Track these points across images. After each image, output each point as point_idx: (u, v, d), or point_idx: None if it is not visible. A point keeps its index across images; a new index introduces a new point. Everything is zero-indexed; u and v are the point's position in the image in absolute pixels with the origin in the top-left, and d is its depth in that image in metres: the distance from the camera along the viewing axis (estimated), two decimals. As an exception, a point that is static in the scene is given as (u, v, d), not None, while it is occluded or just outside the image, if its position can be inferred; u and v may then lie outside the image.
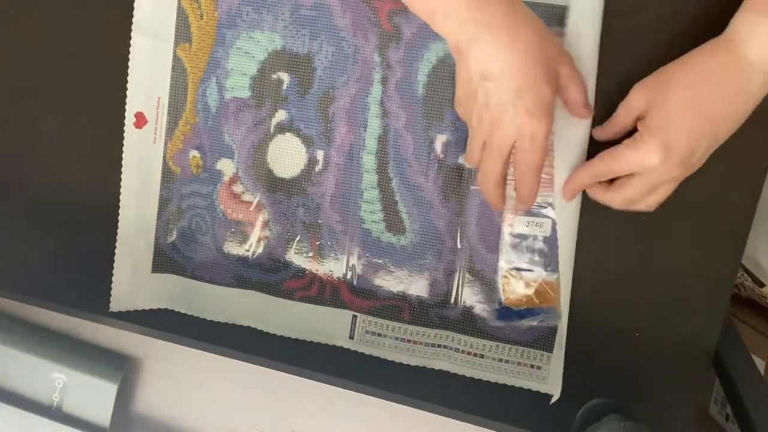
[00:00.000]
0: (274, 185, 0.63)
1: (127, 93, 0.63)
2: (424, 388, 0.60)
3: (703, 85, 0.48)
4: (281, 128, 0.62)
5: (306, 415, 0.66)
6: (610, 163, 0.51)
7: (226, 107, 0.62)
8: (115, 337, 0.67)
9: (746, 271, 0.90)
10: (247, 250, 0.64)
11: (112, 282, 0.66)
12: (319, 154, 0.61)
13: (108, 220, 0.66)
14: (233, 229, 0.64)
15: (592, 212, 0.59)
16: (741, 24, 0.48)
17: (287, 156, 0.62)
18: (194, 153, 0.63)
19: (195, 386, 0.68)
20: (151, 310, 0.67)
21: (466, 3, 0.47)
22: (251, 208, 0.63)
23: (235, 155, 0.63)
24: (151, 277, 0.65)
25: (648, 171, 0.49)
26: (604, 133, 0.54)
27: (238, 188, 0.63)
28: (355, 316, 0.63)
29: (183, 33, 0.61)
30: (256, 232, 0.63)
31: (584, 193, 0.56)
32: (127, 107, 0.63)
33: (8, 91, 0.66)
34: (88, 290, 0.65)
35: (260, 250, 0.64)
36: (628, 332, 0.60)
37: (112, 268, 0.66)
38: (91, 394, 0.67)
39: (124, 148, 0.63)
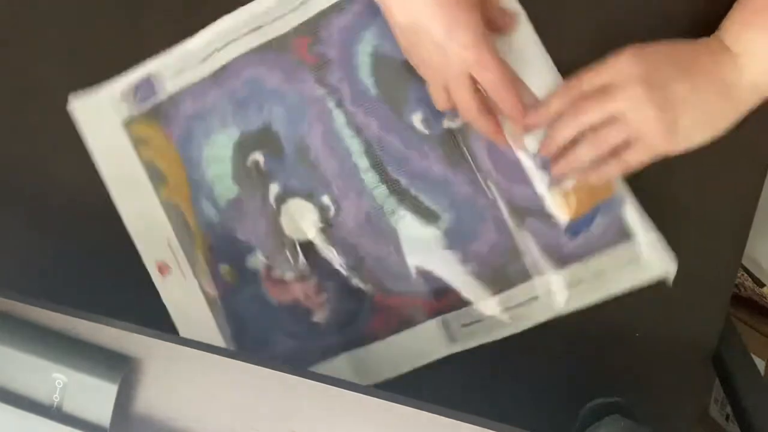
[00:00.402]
0: (305, 250, 0.63)
1: (139, 250, 0.65)
2: (424, 389, 0.60)
3: (701, 74, 0.48)
4: (281, 198, 0.62)
5: (306, 415, 0.66)
6: (585, 76, 0.51)
7: (225, 213, 0.64)
8: (115, 337, 0.67)
9: (746, 271, 0.90)
10: (318, 321, 0.64)
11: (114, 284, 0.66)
12: (326, 199, 0.62)
13: (108, 220, 0.66)
14: (296, 311, 0.64)
15: (592, 212, 0.59)
16: (736, 36, 0.48)
17: (300, 218, 0.62)
18: (223, 267, 0.64)
19: (195, 386, 0.68)
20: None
21: None
22: (299, 283, 0.63)
23: (256, 248, 0.63)
24: None
25: (619, 73, 0.48)
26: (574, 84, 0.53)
27: (276, 273, 0.64)
28: (445, 319, 0.62)
29: (156, 177, 0.64)
30: (316, 300, 0.63)
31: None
32: (145, 262, 0.65)
33: (8, 90, 0.66)
34: (88, 290, 0.65)
35: (327, 313, 0.64)
36: (628, 332, 0.60)
37: (113, 268, 0.66)
38: (91, 394, 0.67)
39: (162, 298, 0.66)
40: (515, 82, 0.53)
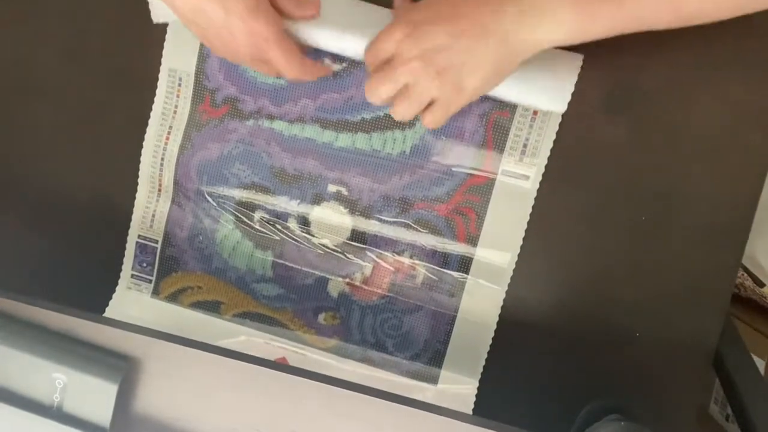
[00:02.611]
0: (361, 238, 0.63)
1: None
2: (424, 388, 0.60)
3: (475, 30, 0.48)
4: (303, 222, 0.63)
5: (306, 415, 0.66)
6: (368, 52, 0.52)
7: (279, 283, 0.66)
8: (115, 337, 0.67)
9: (746, 271, 0.90)
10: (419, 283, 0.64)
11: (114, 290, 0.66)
12: (331, 189, 0.63)
13: (108, 220, 0.66)
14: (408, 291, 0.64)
15: (592, 212, 0.59)
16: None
17: (330, 223, 0.63)
18: (325, 315, 0.65)
19: (195, 386, 0.68)
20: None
21: None
22: (392, 268, 0.64)
23: (330, 278, 0.64)
24: None
25: (393, 48, 0.49)
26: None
27: (360, 278, 0.64)
28: None
29: (213, 308, 0.67)
30: (413, 272, 0.64)
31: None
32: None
33: (8, 90, 0.66)
34: (88, 290, 0.65)
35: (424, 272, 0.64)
36: (629, 332, 0.60)
37: (113, 267, 0.66)
38: (92, 395, 0.67)
39: None
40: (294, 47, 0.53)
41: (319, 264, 0.64)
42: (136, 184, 0.65)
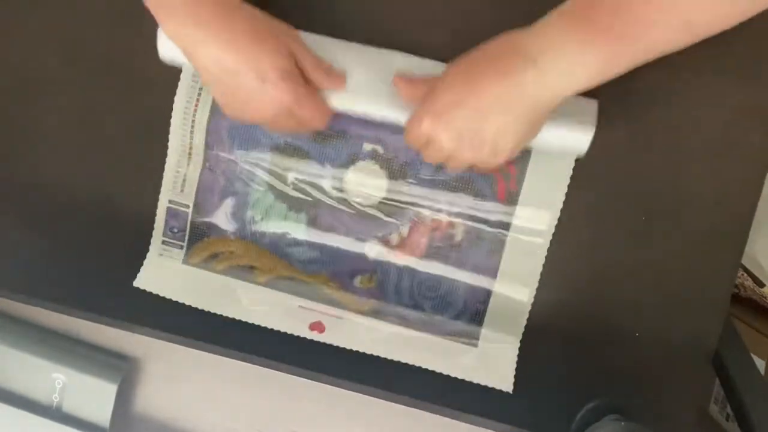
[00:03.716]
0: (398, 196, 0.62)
1: None
2: (423, 388, 0.60)
3: (479, 59, 0.49)
4: (338, 182, 0.62)
5: (306, 415, 0.66)
6: (405, 137, 0.54)
7: (316, 246, 0.64)
8: (115, 337, 0.67)
9: (746, 271, 0.90)
10: (459, 241, 0.63)
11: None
12: (367, 148, 0.61)
13: (109, 220, 0.66)
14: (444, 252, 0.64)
15: (591, 213, 0.59)
16: (542, 35, 0.47)
17: (368, 181, 0.62)
18: (362, 279, 0.64)
19: (195, 386, 0.68)
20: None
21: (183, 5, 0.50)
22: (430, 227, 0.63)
23: (366, 240, 0.63)
24: None
25: (424, 137, 0.51)
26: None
27: (410, 234, 0.63)
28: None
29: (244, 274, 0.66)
30: (451, 230, 0.62)
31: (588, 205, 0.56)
32: None
33: (9, 90, 0.66)
34: (88, 290, 0.65)
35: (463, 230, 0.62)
36: (629, 332, 0.60)
37: (113, 267, 0.66)
38: (91, 395, 0.67)
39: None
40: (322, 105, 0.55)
41: (354, 225, 0.63)
42: (156, 172, 0.65)
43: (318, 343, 0.63)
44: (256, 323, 0.63)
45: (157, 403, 0.69)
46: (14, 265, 0.66)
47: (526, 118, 0.48)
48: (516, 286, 0.61)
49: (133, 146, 0.65)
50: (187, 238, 0.65)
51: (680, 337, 0.60)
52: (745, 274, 0.90)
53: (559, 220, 0.60)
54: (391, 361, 0.62)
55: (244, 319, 0.63)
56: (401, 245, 0.63)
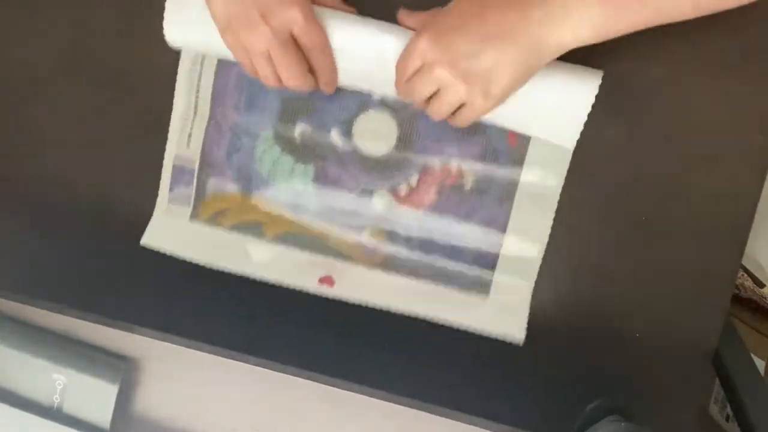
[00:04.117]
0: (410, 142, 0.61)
1: None
2: (423, 388, 0.60)
3: (503, 40, 0.48)
4: (347, 134, 0.61)
5: (306, 415, 0.66)
6: (398, 65, 0.53)
7: (323, 202, 0.63)
8: (115, 337, 0.67)
9: (746, 271, 0.90)
10: (467, 188, 0.62)
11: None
12: (374, 99, 0.60)
13: (109, 220, 0.66)
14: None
15: (591, 213, 0.59)
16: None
17: (377, 130, 0.61)
18: (372, 230, 0.63)
19: (195, 386, 0.68)
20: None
21: None
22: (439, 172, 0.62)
23: (374, 191, 0.62)
24: None
25: (420, 58, 0.50)
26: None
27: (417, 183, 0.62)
28: None
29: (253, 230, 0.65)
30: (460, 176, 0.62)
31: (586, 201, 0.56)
32: None
33: (9, 90, 0.66)
34: (88, 290, 0.65)
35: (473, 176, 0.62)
36: (629, 332, 0.60)
37: (113, 268, 0.66)
38: (92, 395, 0.67)
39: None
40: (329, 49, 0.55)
41: (362, 177, 0.62)
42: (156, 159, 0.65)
43: (318, 342, 0.63)
44: (265, 279, 0.62)
45: (157, 403, 0.69)
46: (14, 265, 0.66)
47: (524, 57, 0.48)
48: (526, 239, 0.61)
49: (134, 146, 0.65)
50: (193, 195, 0.64)
51: (680, 337, 0.60)
52: (745, 274, 0.90)
53: (558, 220, 0.60)
54: (391, 361, 0.62)
55: (252, 275, 0.62)
56: (410, 196, 0.62)
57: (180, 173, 0.64)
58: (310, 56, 0.54)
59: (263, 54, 0.52)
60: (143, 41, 0.62)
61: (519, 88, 0.51)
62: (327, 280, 0.62)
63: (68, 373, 0.67)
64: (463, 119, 0.53)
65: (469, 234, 0.61)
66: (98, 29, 0.64)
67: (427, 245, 0.62)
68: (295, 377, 0.61)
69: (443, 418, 0.60)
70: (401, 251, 0.62)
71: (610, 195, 0.59)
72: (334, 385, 0.60)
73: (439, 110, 0.52)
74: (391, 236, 0.62)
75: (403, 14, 0.55)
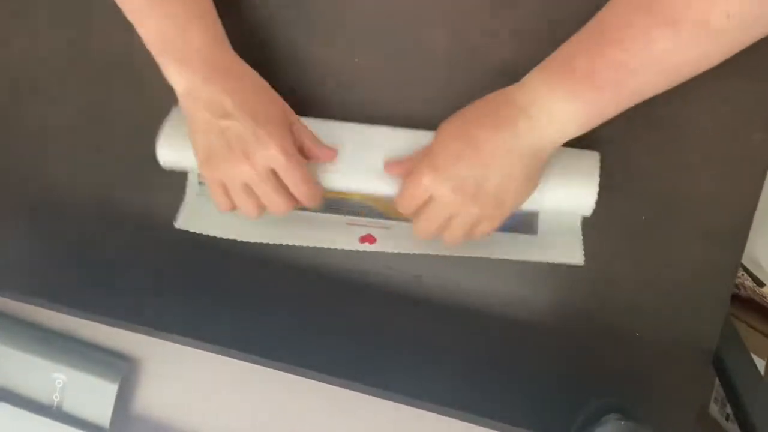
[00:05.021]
0: None
1: None
2: (423, 388, 0.60)
3: (473, 114, 0.50)
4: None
5: (306, 415, 0.66)
6: (401, 204, 0.54)
7: None
8: (115, 337, 0.68)
9: (746, 271, 0.90)
10: None
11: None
12: None
13: (109, 220, 0.66)
14: None
15: (591, 214, 0.59)
16: (530, 88, 0.49)
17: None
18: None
19: (195, 386, 0.68)
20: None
21: (199, 52, 0.51)
22: None
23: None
24: None
25: (427, 193, 0.51)
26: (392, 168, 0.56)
27: None
28: None
29: None
30: None
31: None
32: None
33: (10, 90, 0.67)
34: (88, 290, 0.65)
35: None
36: (629, 332, 0.60)
37: (113, 267, 0.66)
38: (91, 394, 0.67)
39: None
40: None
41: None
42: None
43: (318, 341, 0.63)
44: (307, 245, 0.62)
45: (156, 402, 0.69)
46: (14, 265, 0.66)
47: (525, 165, 0.49)
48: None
49: (135, 146, 0.65)
50: None
51: (680, 337, 0.60)
52: (745, 274, 0.90)
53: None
54: (391, 361, 0.62)
55: (296, 243, 0.61)
56: None
57: None
58: (292, 189, 0.54)
59: (243, 188, 0.53)
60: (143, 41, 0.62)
61: (531, 191, 0.52)
62: (368, 239, 0.62)
63: (68, 372, 0.67)
64: (483, 233, 0.53)
65: None
66: (100, 29, 0.64)
67: None
68: (295, 377, 0.61)
69: (443, 417, 0.60)
70: None
71: (609, 195, 0.59)
72: (334, 385, 0.60)
73: (453, 235, 0.53)
74: None
75: (389, 165, 0.55)
